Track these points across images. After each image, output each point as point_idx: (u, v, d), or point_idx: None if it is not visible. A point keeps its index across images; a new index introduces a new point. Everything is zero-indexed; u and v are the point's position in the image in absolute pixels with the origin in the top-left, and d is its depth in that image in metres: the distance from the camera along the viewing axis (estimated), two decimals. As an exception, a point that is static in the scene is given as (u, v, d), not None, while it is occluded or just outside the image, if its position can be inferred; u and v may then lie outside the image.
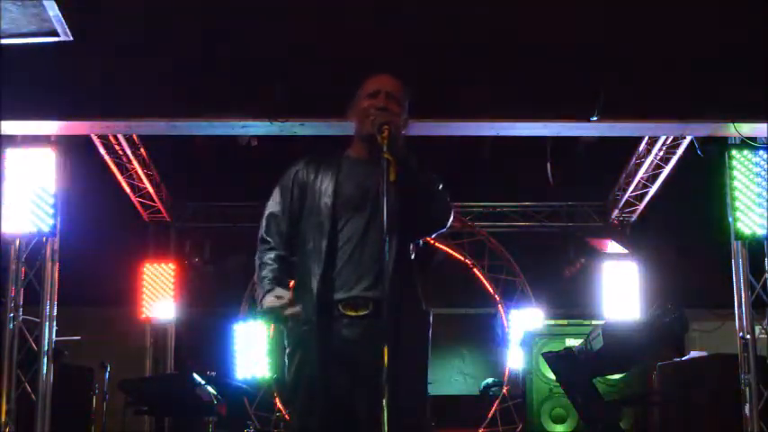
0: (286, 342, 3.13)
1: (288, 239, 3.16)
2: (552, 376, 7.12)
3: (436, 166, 3.20)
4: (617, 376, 7.15)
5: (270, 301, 2.99)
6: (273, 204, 3.20)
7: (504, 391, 10.34)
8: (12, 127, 6.37)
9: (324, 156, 3.26)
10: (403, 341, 2.97)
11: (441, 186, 3.15)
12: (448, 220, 3.17)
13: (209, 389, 7.52)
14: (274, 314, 3.00)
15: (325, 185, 3.12)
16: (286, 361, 3.13)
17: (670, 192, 9.18)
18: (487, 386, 10.64)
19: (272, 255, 3.12)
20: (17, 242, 6.64)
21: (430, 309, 3.15)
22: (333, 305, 3.01)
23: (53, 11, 4.59)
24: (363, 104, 3.13)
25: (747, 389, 6.36)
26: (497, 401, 10.35)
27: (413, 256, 3.19)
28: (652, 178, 9.26)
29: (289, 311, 2.96)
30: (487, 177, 9.44)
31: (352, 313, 3.00)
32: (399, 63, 4.87)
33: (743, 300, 6.57)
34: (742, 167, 6.51)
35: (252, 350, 10.34)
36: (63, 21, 4.71)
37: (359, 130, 3.18)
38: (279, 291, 3.01)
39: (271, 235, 3.16)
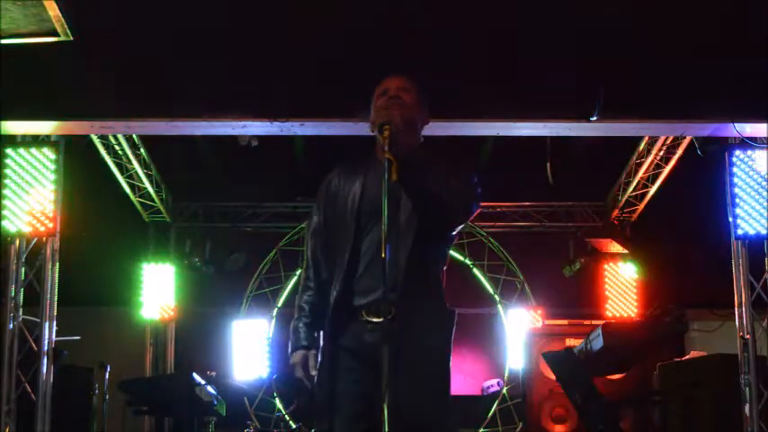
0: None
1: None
2: (552, 376, 7.13)
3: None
4: (617, 376, 7.15)
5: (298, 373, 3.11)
6: (314, 220, 3.28)
7: (504, 390, 10.33)
8: (12, 127, 6.37)
9: (355, 161, 3.31)
10: (424, 341, 2.97)
11: (468, 178, 3.25)
12: (463, 214, 3.19)
13: (209, 389, 7.52)
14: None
15: (353, 192, 3.17)
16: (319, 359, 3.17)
17: (670, 192, 9.17)
18: (487, 386, 10.63)
19: (306, 308, 3.18)
20: (17, 242, 6.64)
21: (454, 308, 3.15)
22: (355, 311, 3.06)
23: (53, 11, 4.59)
24: (376, 106, 3.21)
25: (747, 389, 6.35)
26: (497, 401, 10.34)
27: (441, 256, 3.19)
28: (652, 178, 9.25)
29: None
30: (487, 177, 9.41)
31: (375, 319, 3.03)
32: (400, 63, 4.87)
33: (743, 300, 6.56)
34: (742, 167, 6.50)
35: (252, 350, 10.34)
36: (63, 21, 4.71)
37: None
38: (304, 364, 3.10)
39: (316, 260, 3.22)
